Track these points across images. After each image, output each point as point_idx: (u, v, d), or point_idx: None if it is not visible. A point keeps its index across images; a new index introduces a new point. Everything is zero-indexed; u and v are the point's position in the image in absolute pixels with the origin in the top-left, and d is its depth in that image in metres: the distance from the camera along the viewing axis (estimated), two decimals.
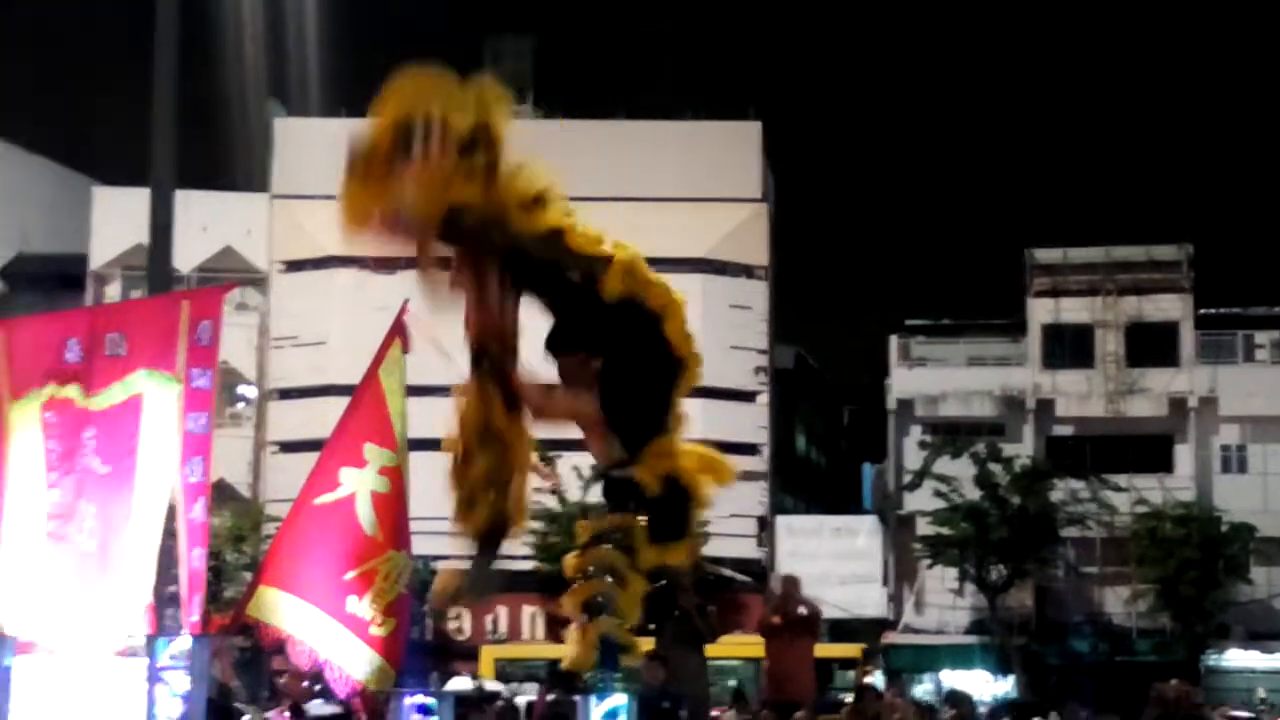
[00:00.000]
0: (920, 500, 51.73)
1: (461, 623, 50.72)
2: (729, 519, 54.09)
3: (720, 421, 56.65)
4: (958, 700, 19.49)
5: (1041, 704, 16.10)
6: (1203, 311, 55.14)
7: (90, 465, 9.52)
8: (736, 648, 33.22)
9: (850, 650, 43.56)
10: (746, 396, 57.99)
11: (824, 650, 40.68)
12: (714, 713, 18.14)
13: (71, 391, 9.55)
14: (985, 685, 47.11)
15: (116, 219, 53.17)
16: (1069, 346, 55.85)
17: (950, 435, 53.20)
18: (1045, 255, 56.60)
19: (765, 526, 56.90)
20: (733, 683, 32.89)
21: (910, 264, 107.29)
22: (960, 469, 49.85)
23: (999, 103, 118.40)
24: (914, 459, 53.84)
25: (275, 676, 17.75)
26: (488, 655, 43.58)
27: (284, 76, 58.37)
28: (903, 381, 57.00)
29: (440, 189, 8.50)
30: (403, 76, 8.77)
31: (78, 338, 9.63)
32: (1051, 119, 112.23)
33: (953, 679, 47.17)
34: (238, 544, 45.06)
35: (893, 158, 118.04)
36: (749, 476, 57.11)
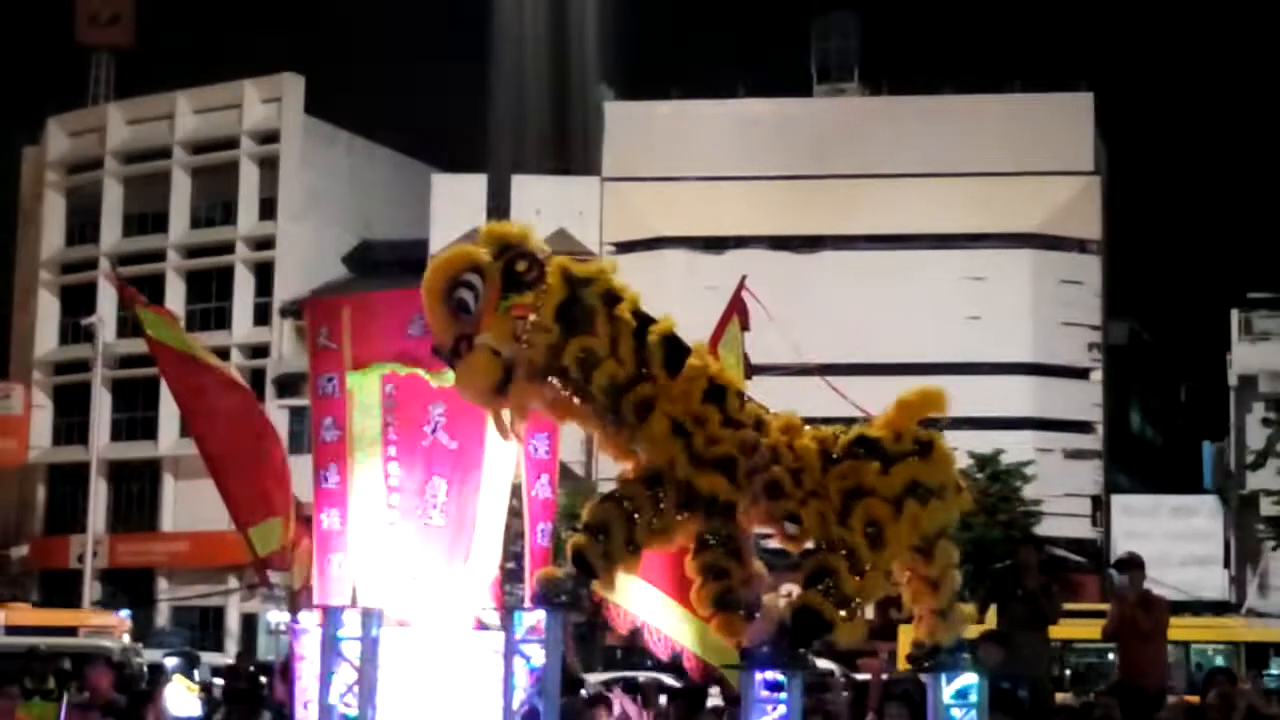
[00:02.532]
0: (1264, 479, 49.98)
1: None
2: (1063, 498, 53.17)
3: (1052, 399, 55.83)
4: None
5: None
6: None
7: (440, 440, 9.73)
8: (1072, 629, 32.72)
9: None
10: (1079, 373, 56.94)
11: (1255, 634, 39.11)
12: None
13: (415, 366, 9.78)
14: None
15: (455, 205, 54.66)
16: None
17: None
18: None
19: (1100, 506, 55.76)
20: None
21: (1252, 234, 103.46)
22: None
23: None
24: (1257, 437, 52.06)
25: None
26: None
27: (613, 61, 59.20)
28: (1245, 356, 55.18)
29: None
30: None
31: (422, 314, 9.87)
32: None
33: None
34: (572, 522, 45.92)
35: (1233, 124, 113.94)
36: (1082, 455, 56.08)
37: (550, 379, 8.12)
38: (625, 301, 8.26)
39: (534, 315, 8.05)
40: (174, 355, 11.72)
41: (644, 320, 8.26)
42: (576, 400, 8.22)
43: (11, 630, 37.21)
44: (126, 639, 41.16)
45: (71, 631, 38.28)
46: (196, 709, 14.99)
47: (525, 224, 8.38)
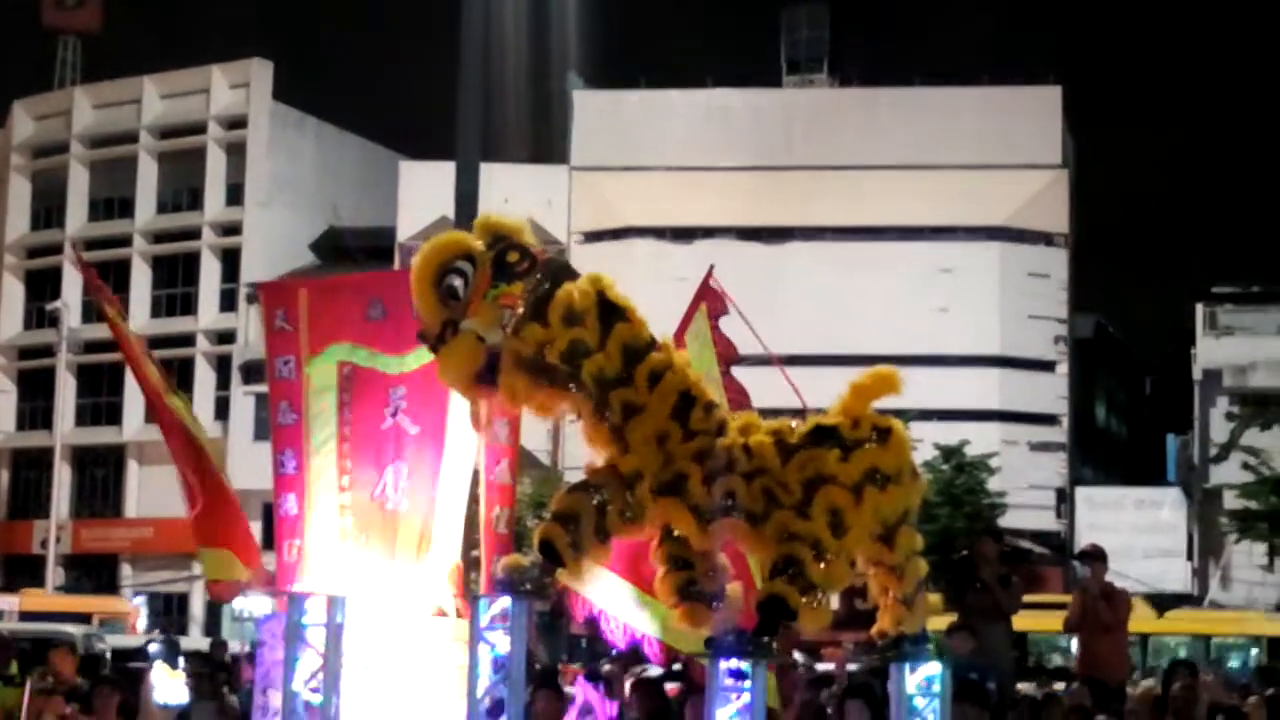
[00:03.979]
0: (1227, 473, 50.27)
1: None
2: (1027, 490, 53.38)
3: (1018, 392, 55.99)
4: (1273, 677, 18.87)
5: None
6: None
7: (402, 425, 9.67)
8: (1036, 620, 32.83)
9: None
10: (1045, 366, 57.13)
11: (1277, 629, 39.04)
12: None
13: (374, 350, 9.72)
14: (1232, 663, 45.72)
15: (423, 192, 54.56)
16: None
17: (1260, 406, 51.54)
18: None
19: (1065, 498, 55.99)
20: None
21: (1218, 229, 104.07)
22: (1270, 441, 48.35)
23: None
24: (1221, 430, 52.36)
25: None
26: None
27: (583, 50, 59.03)
28: (1209, 351, 55.42)
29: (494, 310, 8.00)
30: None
31: (382, 297, 9.80)
32: None
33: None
34: (538, 510, 45.91)
35: (1200, 119, 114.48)
36: (1048, 447, 56.27)
37: (537, 372, 8.11)
38: (620, 306, 8.27)
39: (521, 306, 8.05)
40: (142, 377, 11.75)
41: (640, 343, 8.25)
42: (563, 392, 8.20)
43: (26, 616, 37.30)
44: (143, 622, 41.07)
45: (86, 618, 38.42)
46: (184, 697, 14.90)
47: (519, 217, 8.37)
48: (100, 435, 62.79)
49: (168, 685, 14.52)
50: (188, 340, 61.13)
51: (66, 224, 65.67)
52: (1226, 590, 52.02)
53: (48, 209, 67.06)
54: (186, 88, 65.05)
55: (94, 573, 60.23)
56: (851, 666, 21.10)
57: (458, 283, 7.97)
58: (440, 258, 8.07)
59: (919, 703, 8.79)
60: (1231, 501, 50.08)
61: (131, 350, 11.96)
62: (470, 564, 10.15)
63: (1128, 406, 72.54)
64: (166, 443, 11.80)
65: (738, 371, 11.32)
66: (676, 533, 8.41)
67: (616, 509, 8.26)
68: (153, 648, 22.85)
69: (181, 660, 17.79)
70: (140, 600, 44.80)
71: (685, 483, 8.19)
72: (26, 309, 66.46)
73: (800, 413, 8.83)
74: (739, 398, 10.91)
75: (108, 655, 26.91)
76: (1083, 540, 40.99)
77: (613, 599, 10.39)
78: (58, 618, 35.23)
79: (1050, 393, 56.76)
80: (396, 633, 9.34)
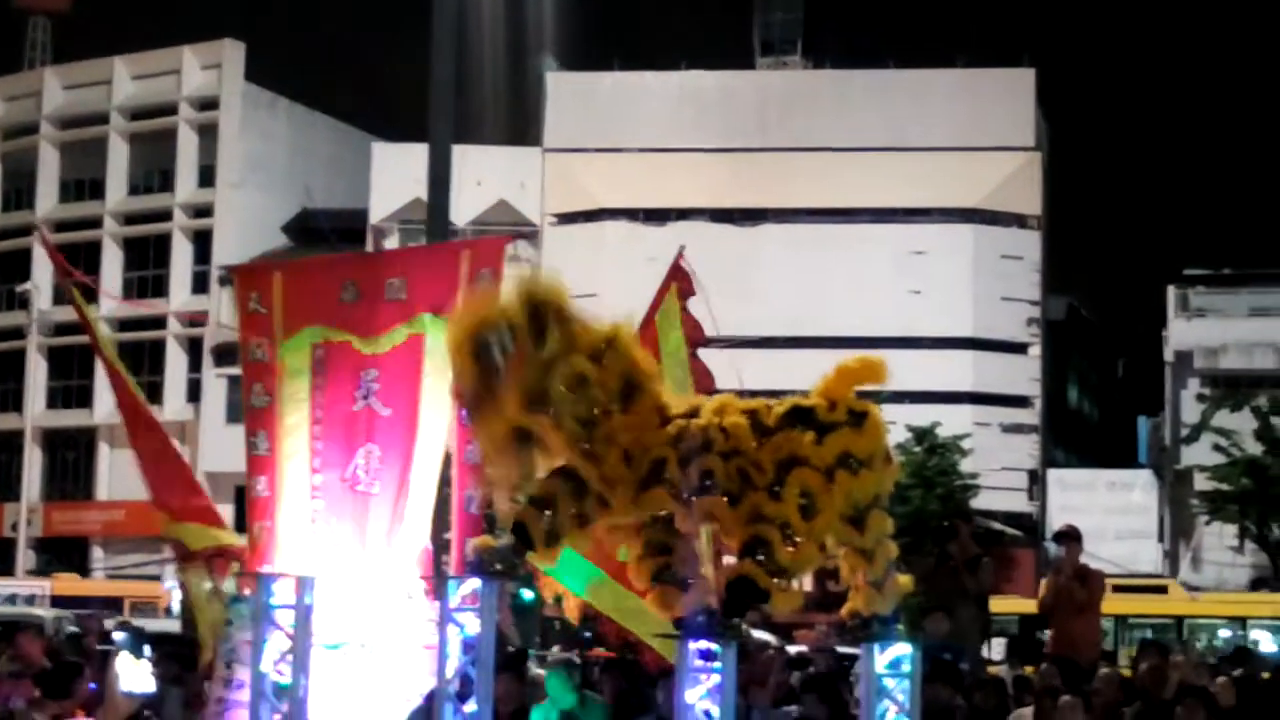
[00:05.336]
0: (1198, 454, 50.44)
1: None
2: (999, 472, 53.49)
3: (991, 373, 56.08)
4: (1244, 658, 18.93)
5: None
6: None
7: (373, 407, 9.65)
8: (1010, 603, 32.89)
9: None
10: (1018, 348, 57.22)
11: None
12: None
13: (346, 332, 9.69)
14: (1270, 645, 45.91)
15: (395, 174, 54.48)
16: None
17: (1230, 388, 51.73)
18: None
19: (1037, 480, 56.13)
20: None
21: (1189, 212, 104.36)
22: (1241, 423, 48.51)
23: None
24: (1192, 412, 52.53)
25: None
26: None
27: (556, 31, 58.95)
28: (1181, 333, 55.61)
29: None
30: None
31: (355, 280, 9.77)
32: None
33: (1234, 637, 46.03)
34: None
35: (1172, 102, 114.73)
36: (1020, 429, 56.38)
37: (534, 405, 8.08)
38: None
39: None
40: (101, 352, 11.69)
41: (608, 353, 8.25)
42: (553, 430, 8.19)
43: (58, 601, 37.31)
44: (176, 606, 40.81)
45: (117, 602, 38.47)
46: (150, 685, 14.79)
47: (560, 281, 8.29)
48: (71, 418, 62.54)
49: (133, 673, 14.41)
50: (159, 323, 60.88)
51: (36, 205, 65.32)
52: (1197, 572, 52.24)
53: (17, 190, 66.70)
54: (157, 69, 64.72)
55: (65, 556, 60.00)
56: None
57: (496, 354, 7.94)
58: (479, 330, 8.03)
59: (889, 683, 8.79)
60: (1202, 483, 50.27)
61: (95, 335, 11.90)
62: (441, 545, 10.12)
63: (1099, 388, 72.77)
64: (128, 427, 11.73)
65: (705, 353, 11.31)
66: (656, 517, 8.40)
67: (595, 494, 8.25)
68: (118, 635, 22.73)
69: (147, 648, 17.69)
70: (172, 584, 44.60)
71: (663, 467, 8.18)
72: None
73: (778, 394, 8.81)
74: (704, 380, 10.89)
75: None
76: (1055, 522, 41.13)
77: (568, 576, 10.40)
78: (90, 602, 35.39)
79: (1023, 375, 56.87)
80: (366, 614, 9.31)
